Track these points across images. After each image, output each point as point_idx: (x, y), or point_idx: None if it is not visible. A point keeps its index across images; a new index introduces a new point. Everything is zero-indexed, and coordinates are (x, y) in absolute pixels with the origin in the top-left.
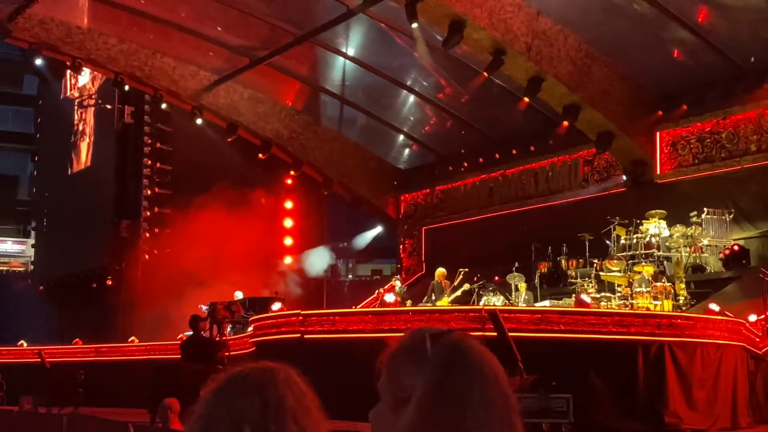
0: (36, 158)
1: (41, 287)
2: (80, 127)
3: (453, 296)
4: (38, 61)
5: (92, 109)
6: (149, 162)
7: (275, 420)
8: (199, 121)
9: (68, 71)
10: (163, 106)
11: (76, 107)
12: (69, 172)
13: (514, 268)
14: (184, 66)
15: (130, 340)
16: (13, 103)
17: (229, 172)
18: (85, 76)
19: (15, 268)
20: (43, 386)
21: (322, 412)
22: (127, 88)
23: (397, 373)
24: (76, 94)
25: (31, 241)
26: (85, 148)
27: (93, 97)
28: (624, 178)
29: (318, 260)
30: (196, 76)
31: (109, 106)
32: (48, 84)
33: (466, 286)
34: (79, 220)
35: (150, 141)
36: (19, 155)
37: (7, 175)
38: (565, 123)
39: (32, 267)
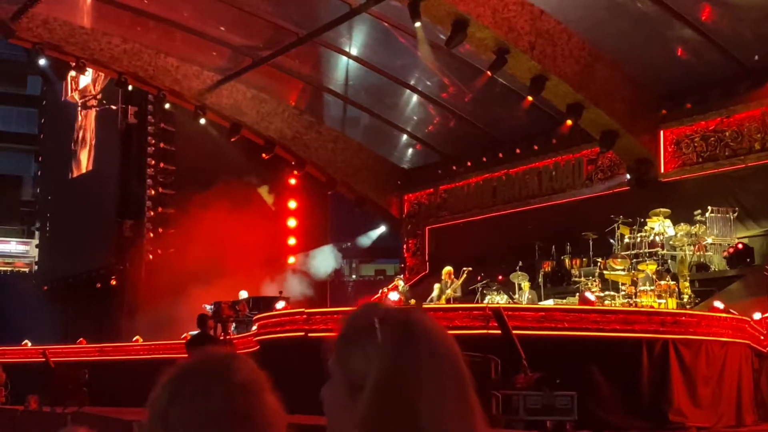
0: (40, 159)
1: (45, 287)
2: (80, 135)
3: (449, 291)
4: (42, 62)
5: (94, 112)
6: (153, 162)
7: (182, 418)
8: (202, 121)
9: (69, 74)
10: (167, 106)
11: (79, 109)
12: (69, 177)
13: (517, 268)
14: (188, 66)
15: (134, 339)
16: (17, 104)
17: (232, 171)
18: (86, 78)
19: (19, 269)
20: (48, 386)
21: (275, 406)
22: (130, 88)
23: (347, 357)
24: (77, 97)
25: (35, 241)
26: (85, 156)
27: (96, 98)
28: (628, 176)
29: (323, 262)
30: (199, 75)
31: (113, 107)
32: (51, 84)
33: (459, 282)
34: (82, 221)
35: (153, 141)
36: (22, 156)
37: (10, 176)
38: (569, 122)
39: (36, 267)
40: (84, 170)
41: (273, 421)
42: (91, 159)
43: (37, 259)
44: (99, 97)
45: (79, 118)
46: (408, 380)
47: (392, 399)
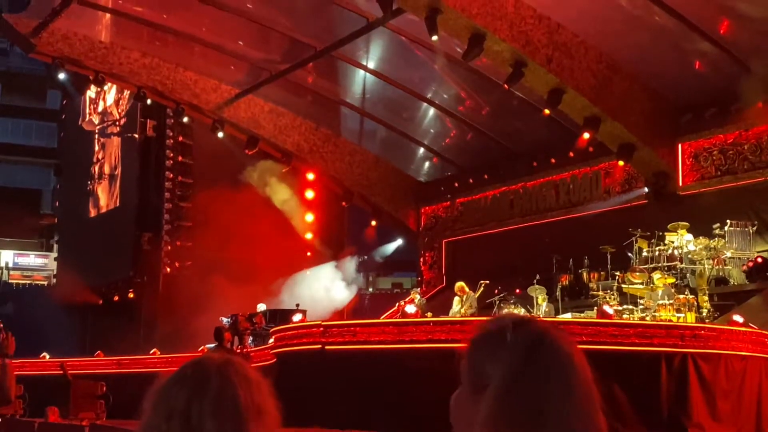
0: (58, 172)
1: (63, 300)
2: (98, 168)
3: (466, 305)
4: (61, 76)
5: (116, 140)
6: (171, 175)
7: (218, 408)
8: (220, 134)
9: (87, 95)
10: (185, 119)
11: (97, 137)
12: (88, 215)
13: (535, 281)
14: (206, 80)
15: (151, 352)
16: (37, 118)
17: (249, 184)
18: (107, 99)
19: (37, 282)
20: (66, 398)
21: (273, 408)
22: (149, 101)
23: (476, 359)
24: (96, 121)
25: (54, 254)
26: (104, 192)
27: (118, 124)
28: (646, 190)
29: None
30: (217, 89)
31: (136, 135)
32: (71, 98)
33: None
34: (101, 234)
35: (171, 154)
36: (42, 169)
37: (30, 189)
38: (586, 135)
39: (54, 280)
40: (105, 208)
41: (276, 417)
42: (116, 195)
43: (55, 272)
44: (122, 122)
45: (96, 147)
46: (534, 387)
47: (519, 398)
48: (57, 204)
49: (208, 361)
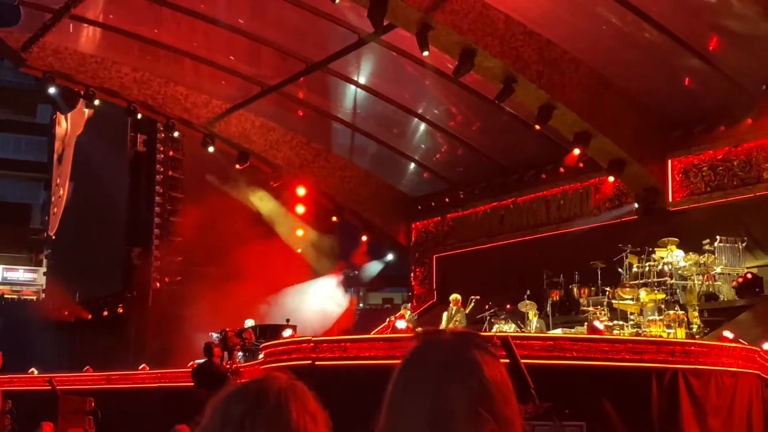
0: (48, 187)
1: (52, 315)
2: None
3: (455, 320)
4: (52, 90)
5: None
6: (161, 190)
7: (270, 427)
8: (211, 149)
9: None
10: (176, 134)
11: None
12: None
13: (525, 296)
14: (197, 94)
15: (141, 367)
16: (27, 132)
17: (239, 199)
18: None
19: (26, 296)
20: (54, 414)
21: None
22: (139, 116)
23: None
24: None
25: (43, 269)
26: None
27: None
28: (636, 205)
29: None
30: (208, 104)
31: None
32: (62, 113)
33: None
34: (90, 248)
35: (162, 169)
36: (31, 184)
37: (19, 203)
38: (577, 150)
39: (44, 295)
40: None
41: None
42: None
43: (44, 287)
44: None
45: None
46: (394, 397)
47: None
48: (47, 218)
49: (272, 380)
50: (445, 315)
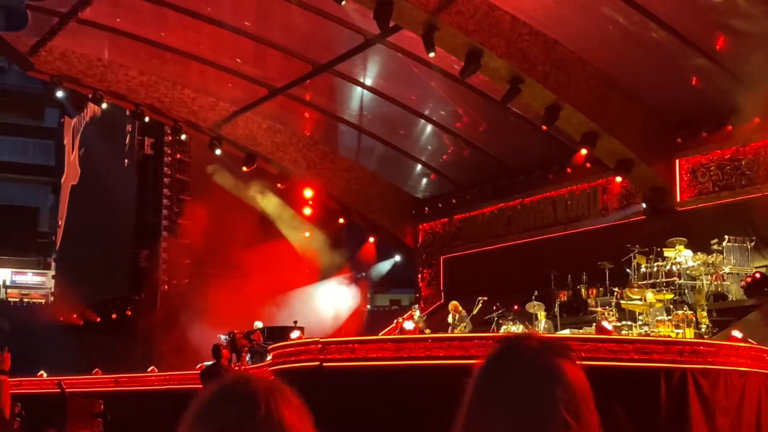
0: (56, 190)
1: (61, 318)
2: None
3: (459, 328)
4: (59, 94)
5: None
6: (168, 192)
7: (258, 429)
8: (218, 151)
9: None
10: (183, 137)
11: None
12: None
13: (533, 297)
14: (204, 97)
15: (149, 370)
16: (34, 136)
17: (246, 202)
18: None
19: (35, 300)
20: (63, 416)
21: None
22: (147, 119)
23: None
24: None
25: (51, 272)
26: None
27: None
28: (643, 205)
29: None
30: (215, 107)
31: None
32: (69, 117)
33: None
34: (98, 251)
35: (169, 171)
36: (39, 187)
37: (27, 207)
38: (584, 151)
39: (52, 298)
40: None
41: None
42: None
43: (53, 290)
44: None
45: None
46: (498, 395)
47: (482, 409)
48: (59, 222)
49: (256, 382)
50: (450, 318)
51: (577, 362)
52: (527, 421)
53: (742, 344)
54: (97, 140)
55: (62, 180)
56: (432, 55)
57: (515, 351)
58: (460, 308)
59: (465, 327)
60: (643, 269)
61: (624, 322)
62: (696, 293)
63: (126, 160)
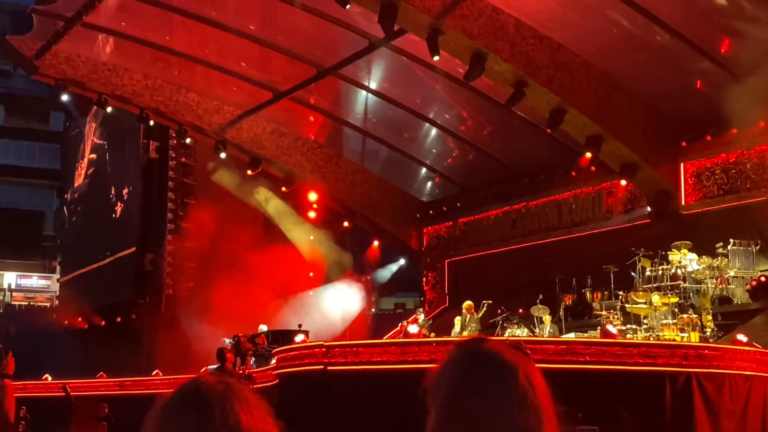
0: (62, 194)
1: (66, 321)
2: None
3: (470, 327)
4: (64, 97)
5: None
6: (173, 196)
7: None
8: (222, 155)
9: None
10: (188, 140)
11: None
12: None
13: (538, 301)
14: (208, 101)
15: (154, 373)
16: (40, 140)
17: (251, 205)
18: None
19: (40, 303)
20: (68, 420)
21: (274, 429)
22: (152, 123)
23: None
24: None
25: (56, 275)
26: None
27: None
28: (648, 209)
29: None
30: (219, 110)
31: None
32: (74, 120)
33: (477, 315)
34: (103, 255)
35: (174, 175)
36: (45, 191)
37: (33, 211)
38: (588, 154)
39: (57, 302)
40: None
41: None
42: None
43: (58, 294)
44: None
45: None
46: (470, 394)
47: (456, 411)
48: (65, 226)
49: (209, 386)
50: (458, 321)
51: (532, 360)
52: (489, 421)
53: (747, 348)
54: (107, 144)
55: (73, 184)
56: (436, 58)
57: (470, 353)
58: (473, 309)
59: (473, 329)
60: (647, 273)
61: (629, 326)
62: (701, 297)
63: (131, 164)
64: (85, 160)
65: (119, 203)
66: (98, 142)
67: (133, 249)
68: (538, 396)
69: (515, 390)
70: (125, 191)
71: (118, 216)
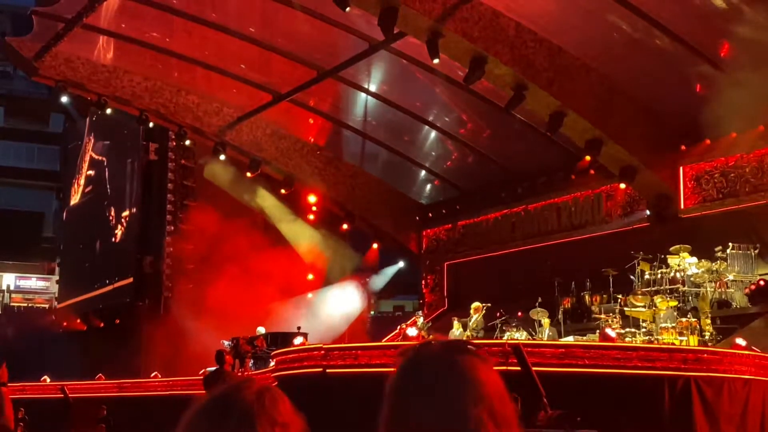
0: (61, 195)
1: (65, 323)
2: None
3: (470, 327)
4: (64, 99)
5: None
6: (172, 198)
7: None
8: (222, 157)
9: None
10: (187, 142)
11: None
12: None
13: (537, 304)
14: (208, 103)
15: (152, 375)
16: (40, 141)
17: (251, 207)
18: None
19: (39, 305)
20: (67, 421)
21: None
22: (151, 125)
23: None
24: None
25: (56, 277)
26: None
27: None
28: (648, 212)
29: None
30: (219, 112)
31: None
32: (74, 122)
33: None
34: (102, 257)
35: (173, 177)
36: (44, 193)
37: (32, 212)
38: (588, 157)
39: (56, 303)
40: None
41: None
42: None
43: (57, 295)
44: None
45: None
46: (406, 395)
47: (393, 410)
48: (59, 227)
49: (235, 394)
50: (456, 323)
51: (484, 359)
52: (442, 424)
53: (746, 352)
54: (107, 146)
55: (69, 201)
56: (436, 61)
57: (420, 357)
58: (480, 310)
59: (475, 328)
60: (646, 276)
61: (628, 329)
62: (700, 300)
63: (131, 166)
64: (83, 176)
65: (119, 226)
66: (96, 157)
67: (131, 279)
68: (486, 397)
69: (456, 388)
70: (125, 214)
71: (117, 240)
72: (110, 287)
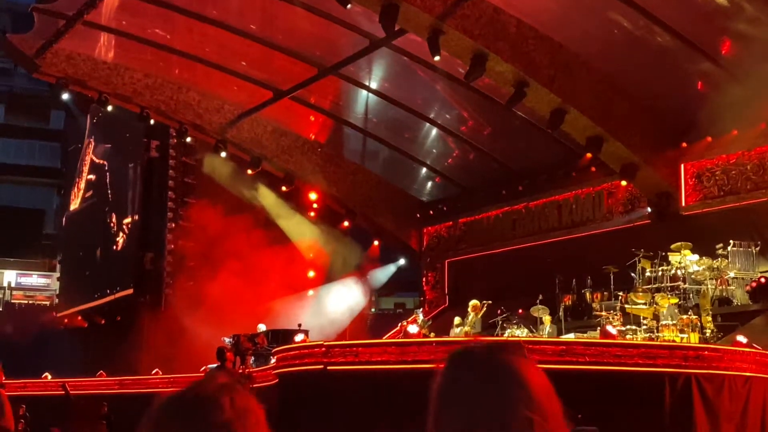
0: (62, 192)
1: (66, 320)
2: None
3: (467, 326)
4: (65, 96)
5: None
6: (173, 195)
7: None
8: (223, 154)
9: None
10: (188, 139)
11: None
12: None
13: (538, 301)
14: (209, 100)
15: (153, 372)
16: (40, 138)
17: (252, 204)
18: None
19: (40, 302)
20: (68, 419)
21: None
22: (152, 122)
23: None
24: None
25: (57, 274)
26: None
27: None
28: (648, 210)
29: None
30: (220, 110)
31: None
32: (74, 119)
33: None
34: (103, 253)
35: (174, 174)
36: (45, 189)
37: (33, 209)
38: (589, 155)
39: (57, 300)
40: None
41: None
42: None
43: (58, 292)
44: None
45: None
46: (455, 394)
47: (444, 409)
48: (64, 224)
49: (202, 391)
50: (457, 320)
51: (530, 359)
52: (491, 426)
53: (747, 349)
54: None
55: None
56: (437, 58)
57: (468, 358)
58: (479, 308)
59: (473, 328)
60: (647, 273)
61: (628, 327)
62: (701, 298)
63: (133, 170)
64: (83, 180)
65: (120, 233)
66: (97, 161)
67: (131, 290)
68: (534, 396)
69: (505, 389)
70: (126, 221)
71: (119, 248)
72: (110, 297)
